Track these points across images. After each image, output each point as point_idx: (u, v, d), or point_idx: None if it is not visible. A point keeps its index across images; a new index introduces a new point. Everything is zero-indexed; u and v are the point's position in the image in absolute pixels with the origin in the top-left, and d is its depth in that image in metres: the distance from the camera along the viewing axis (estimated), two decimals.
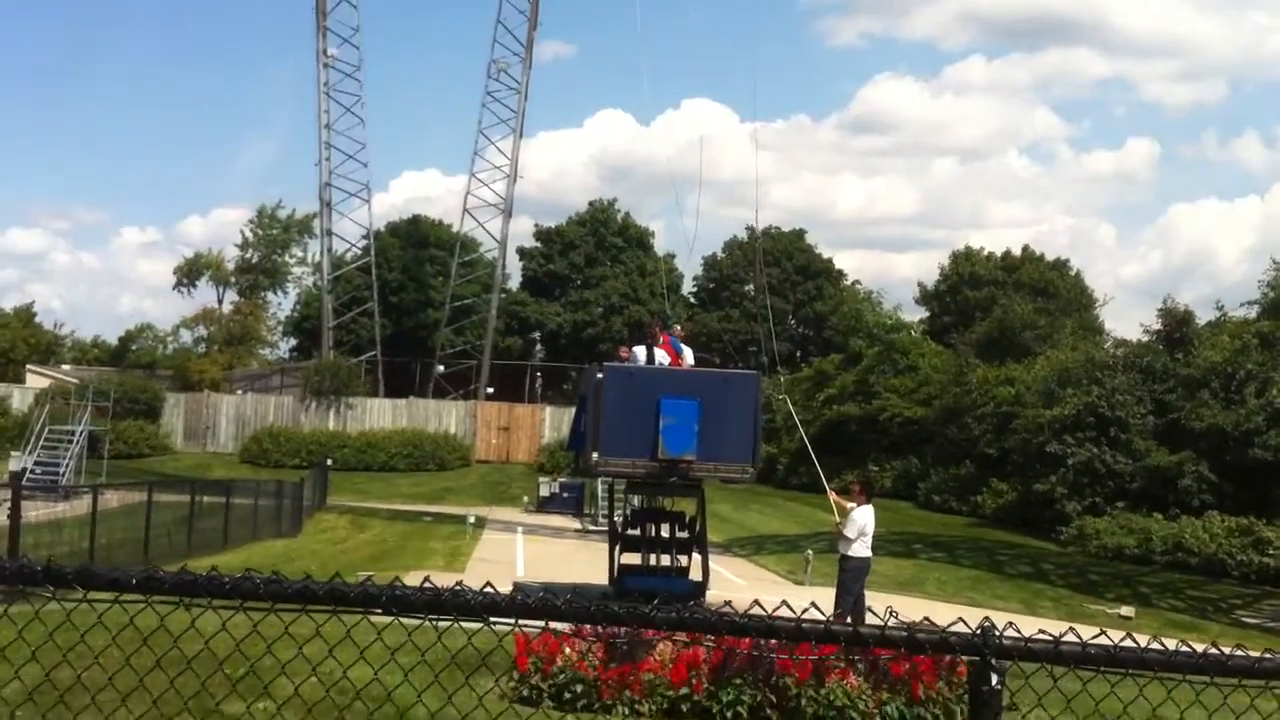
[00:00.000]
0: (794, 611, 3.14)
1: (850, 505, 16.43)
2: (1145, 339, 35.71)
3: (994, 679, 3.15)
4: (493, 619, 3.17)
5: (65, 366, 63.76)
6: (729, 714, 8.56)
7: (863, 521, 16.01)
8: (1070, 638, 3.22)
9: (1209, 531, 27.05)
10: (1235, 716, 3.59)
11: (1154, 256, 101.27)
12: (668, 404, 15.16)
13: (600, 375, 15.63)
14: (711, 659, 8.58)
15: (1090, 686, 3.59)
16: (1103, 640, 3.20)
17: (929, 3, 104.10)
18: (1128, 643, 3.19)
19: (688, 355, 17.33)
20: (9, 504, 15.13)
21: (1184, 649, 3.25)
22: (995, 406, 38.11)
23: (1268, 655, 3.29)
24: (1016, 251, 63.49)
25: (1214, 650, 3.32)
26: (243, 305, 73.63)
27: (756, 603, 3.39)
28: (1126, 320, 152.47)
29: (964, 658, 3.19)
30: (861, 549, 15.97)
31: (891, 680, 8.75)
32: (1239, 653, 3.29)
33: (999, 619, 3.27)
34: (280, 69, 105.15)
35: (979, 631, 3.15)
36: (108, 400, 44.41)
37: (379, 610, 3.16)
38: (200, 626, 3.15)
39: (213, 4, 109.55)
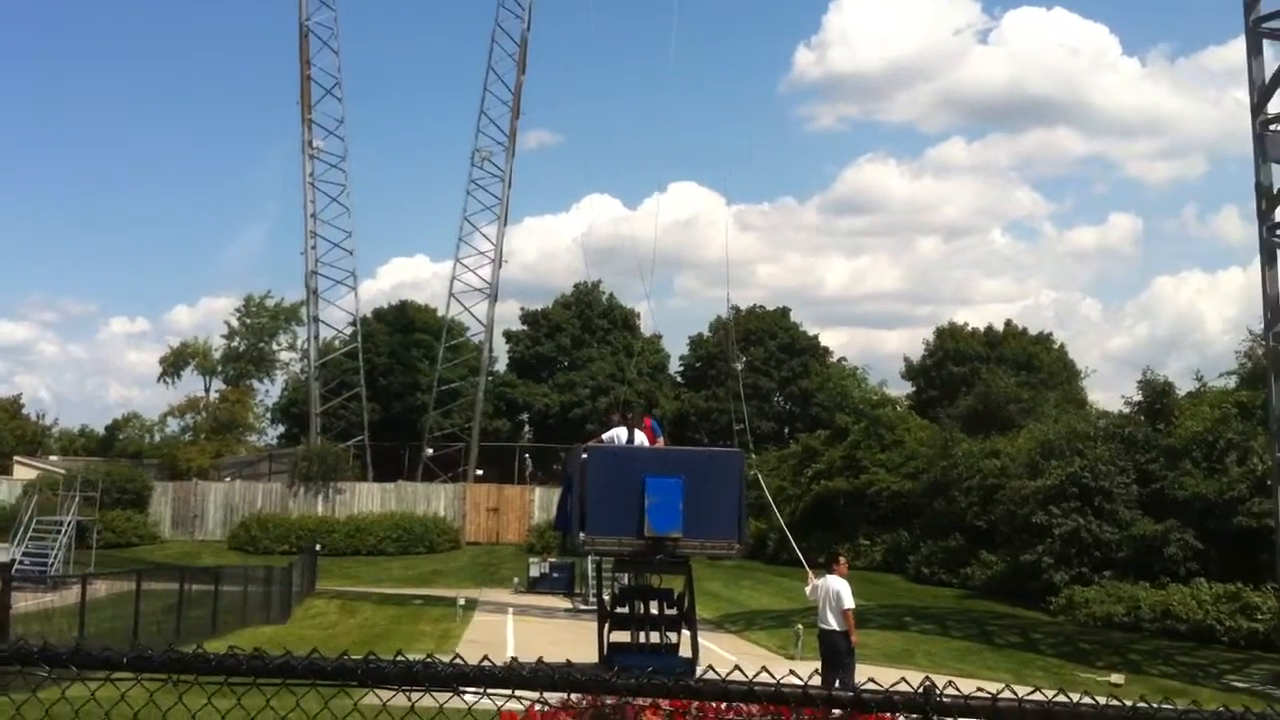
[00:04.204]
0: (773, 678, 3.35)
1: (812, 578, 16.77)
2: (1127, 410, 35.96)
3: None
4: (463, 689, 3.37)
5: (53, 457, 63.57)
6: None
7: (814, 591, 16.26)
8: (1007, 694, 3.44)
9: (1197, 598, 27.10)
10: None
11: (1140, 328, 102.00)
12: (652, 482, 15.27)
13: (585, 455, 15.81)
14: None
15: None
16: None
17: (907, 88, 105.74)
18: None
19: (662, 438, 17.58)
20: None
21: (1114, 704, 3.46)
22: (981, 479, 38.24)
23: (1192, 709, 3.50)
24: (1001, 326, 64.24)
25: (1142, 705, 3.53)
26: (230, 393, 73.81)
27: (737, 667, 3.58)
28: (1115, 392, 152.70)
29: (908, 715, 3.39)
30: (823, 621, 16.08)
31: None
32: (1167, 706, 3.50)
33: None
34: (266, 161, 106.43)
35: (921, 690, 3.36)
36: (95, 490, 44.30)
37: (355, 683, 3.36)
38: (187, 703, 3.35)
39: (197, 98, 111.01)
